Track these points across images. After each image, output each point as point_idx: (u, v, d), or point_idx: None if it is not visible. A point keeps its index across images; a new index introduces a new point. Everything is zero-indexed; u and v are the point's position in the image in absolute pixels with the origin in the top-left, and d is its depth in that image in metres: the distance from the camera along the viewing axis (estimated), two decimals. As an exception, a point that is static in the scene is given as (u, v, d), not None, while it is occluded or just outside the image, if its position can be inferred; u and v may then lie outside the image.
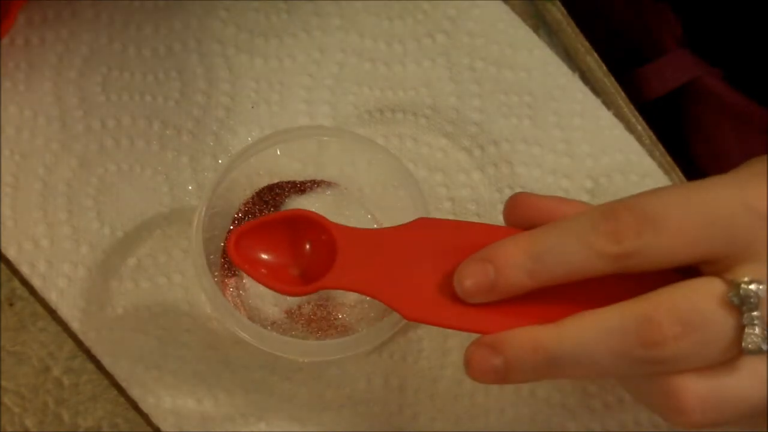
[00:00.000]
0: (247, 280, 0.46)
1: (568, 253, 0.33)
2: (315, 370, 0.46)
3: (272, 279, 0.38)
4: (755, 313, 0.32)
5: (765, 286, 0.32)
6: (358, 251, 0.37)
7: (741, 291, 0.32)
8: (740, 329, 0.32)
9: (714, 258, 0.33)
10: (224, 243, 0.46)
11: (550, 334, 0.34)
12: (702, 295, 0.33)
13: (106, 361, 0.46)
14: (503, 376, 0.34)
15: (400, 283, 0.36)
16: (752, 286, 0.32)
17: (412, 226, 0.37)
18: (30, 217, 0.48)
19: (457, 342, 0.47)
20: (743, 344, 0.32)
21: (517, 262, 0.34)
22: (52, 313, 0.46)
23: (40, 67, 0.49)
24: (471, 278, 0.35)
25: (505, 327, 0.34)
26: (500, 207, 0.49)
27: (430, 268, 0.36)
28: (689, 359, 0.32)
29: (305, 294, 0.38)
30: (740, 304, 0.32)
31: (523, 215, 0.37)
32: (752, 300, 0.32)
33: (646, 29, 0.60)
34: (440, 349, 0.47)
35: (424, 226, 0.37)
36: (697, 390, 0.32)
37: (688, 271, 0.34)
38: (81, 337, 0.46)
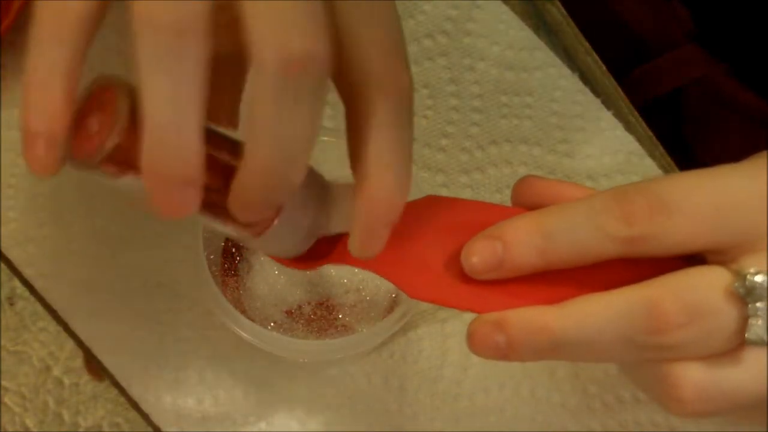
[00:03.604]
0: (247, 280, 0.46)
1: (578, 233, 0.33)
2: (315, 370, 0.47)
3: None
4: (759, 305, 0.32)
5: None
6: None
7: (747, 282, 0.32)
8: (744, 320, 0.32)
9: (722, 247, 0.33)
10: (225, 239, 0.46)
11: (555, 315, 0.33)
12: (708, 285, 0.32)
13: (107, 361, 0.46)
14: (505, 354, 0.34)
15: (405, 261, 0.35)
16: (758, 278, 0.32)
17: (420, 204, 0.37)
18: (32, 218, 0.48)
19: (456, 342, 0.47)
20: (746, 335, 0.32)
21: (527, 240, 0.34)
22: (53, 312, 0.47)
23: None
24: (479, 254, 0.34)
25: (510, 308, 0.34)
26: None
27: (436, 246, 0.35)
28: (691, 348, 0.32)
29: (311, 268, 0.37)
30: (745, 295, 0.32)
31: (532, 198, 0.36)
32: (757, 291, 0.32)
33: (657, 24, 0.60)
34: (440, 349, 0.47)
35: (432, 203, 0.37)
36: (696, 379, 0.32)
37: (691, 259, 0.34)
38: (81, 336, 0.46)
